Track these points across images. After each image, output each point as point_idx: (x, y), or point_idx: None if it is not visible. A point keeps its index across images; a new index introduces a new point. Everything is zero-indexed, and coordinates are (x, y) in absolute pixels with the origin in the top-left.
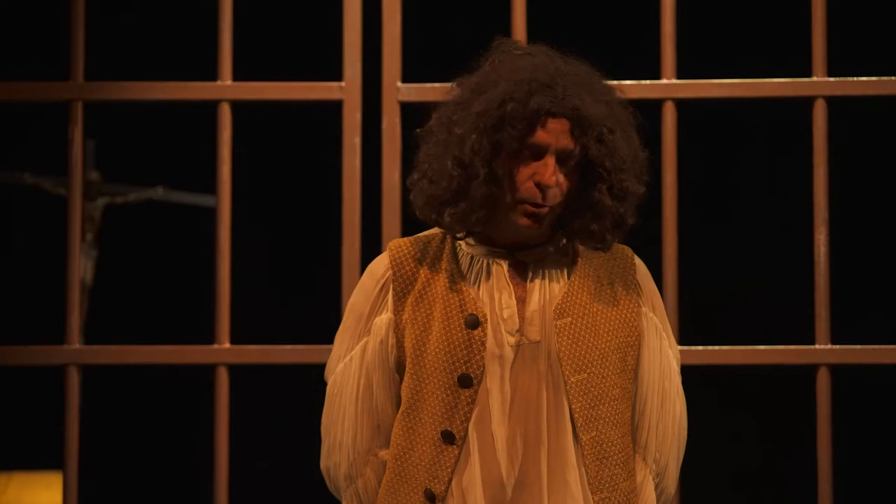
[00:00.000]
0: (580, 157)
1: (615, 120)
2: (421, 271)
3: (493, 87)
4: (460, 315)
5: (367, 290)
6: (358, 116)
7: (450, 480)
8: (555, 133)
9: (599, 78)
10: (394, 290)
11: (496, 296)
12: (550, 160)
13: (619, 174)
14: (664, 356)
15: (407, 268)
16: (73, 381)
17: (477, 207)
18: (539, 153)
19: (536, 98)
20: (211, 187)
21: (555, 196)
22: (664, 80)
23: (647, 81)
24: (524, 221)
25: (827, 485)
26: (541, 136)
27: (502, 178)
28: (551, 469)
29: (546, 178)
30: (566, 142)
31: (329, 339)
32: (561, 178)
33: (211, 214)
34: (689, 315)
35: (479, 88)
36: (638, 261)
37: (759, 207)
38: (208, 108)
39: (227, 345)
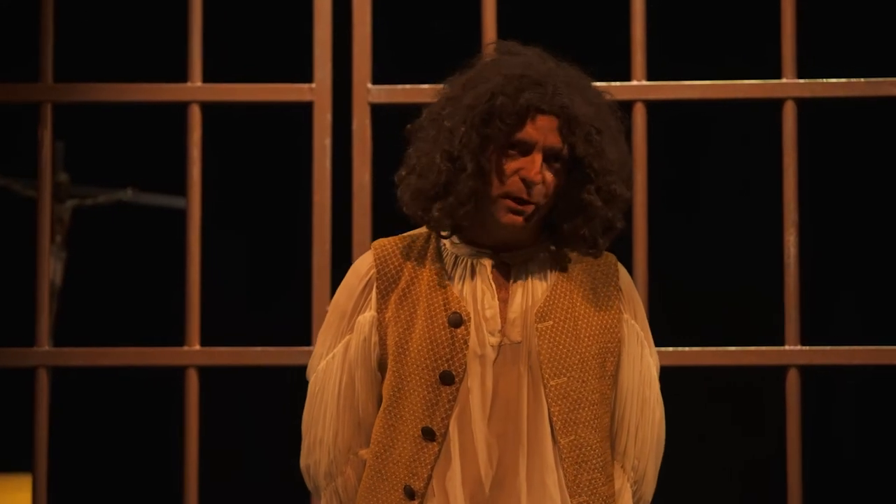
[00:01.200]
0: (568, 158)
1: (603, 122)
2: (405, 270)
3: (484, 82)
4: (443, 313)
5: (350, 287)
6: (328, 118)
7: (429, 477)
8: (543, 130)
9: (590, 81)
10: (377, 288)
11: (479, 295)
12: (538, 157)
13: (606, 176)
14: (644, 364)
15: (391, 266)
16: (43, 383)
17: (464, 201)
18: (527, 149)
19: (526, 94)
20: (181, 189)
21: (540, 193)
22: (634, 82)
23: (617, 83)
24: (507, 218)
25: (796, 486)
26: (529, 131)
27: (489, 172)
28: (530, 470)
29: (532, 174)
30: (554, 140)
31: (300, 340)
32: (548, 175)
33: (181, 216)
34: (660, 316)
35: (469, 84)
36: (621, 267)
37: (731, 207)
38: (178, 110)
39: (197, 346)
